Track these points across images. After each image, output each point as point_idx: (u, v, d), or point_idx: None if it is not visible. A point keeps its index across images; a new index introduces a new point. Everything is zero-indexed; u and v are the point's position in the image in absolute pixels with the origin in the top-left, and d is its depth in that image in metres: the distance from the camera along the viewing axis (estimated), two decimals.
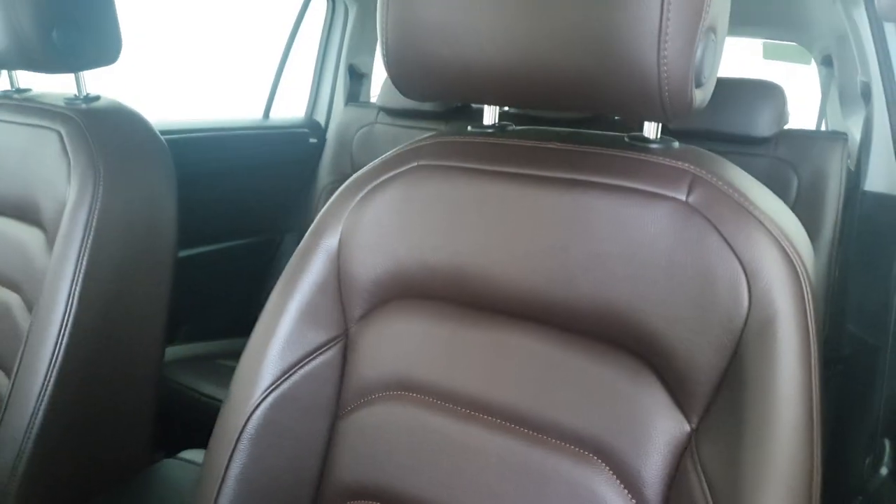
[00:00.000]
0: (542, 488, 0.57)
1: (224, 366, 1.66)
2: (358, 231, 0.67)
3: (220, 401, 1.44)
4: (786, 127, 1.54)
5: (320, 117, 2.31)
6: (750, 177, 0.58)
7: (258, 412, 0.66)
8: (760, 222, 0.51)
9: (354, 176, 0.71)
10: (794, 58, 2.53)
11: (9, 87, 1.05)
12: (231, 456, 0.65)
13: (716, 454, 0.50)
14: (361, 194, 0.68)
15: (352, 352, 0.68)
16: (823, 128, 2.22)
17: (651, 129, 0.60)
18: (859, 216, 1.44)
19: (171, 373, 1.49)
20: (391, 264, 0.66)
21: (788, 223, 0.54)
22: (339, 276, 0.68)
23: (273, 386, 0.66)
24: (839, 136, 1.54)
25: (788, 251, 0.50)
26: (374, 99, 2.42)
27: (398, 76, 0.61)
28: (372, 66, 2.35)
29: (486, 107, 0.69)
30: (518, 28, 0.53)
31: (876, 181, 1.50)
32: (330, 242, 0.68)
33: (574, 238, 0.57)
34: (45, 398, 0.83)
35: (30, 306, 0.90)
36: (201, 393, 1.48)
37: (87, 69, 0.95)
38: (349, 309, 0.68)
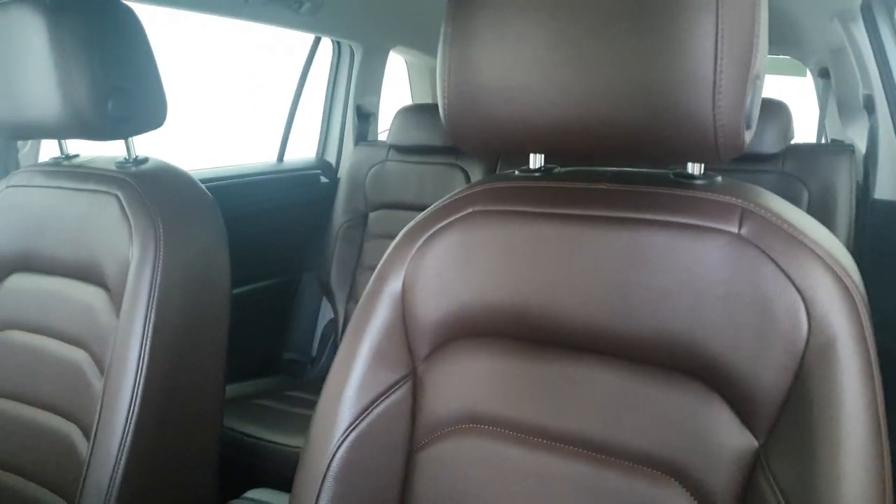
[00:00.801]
0: None
1: (259, 405, 1.69)
2: (420, 275, 0.71)
3: (263, 440, 1.48)
4: (792, 142, 1.60)
5: (331, 157, 2.37)
6: (793, 206, 0.62)
7: (340, 452, 0.69)
8: (812, 250, 0.56)
9: (413, 223, 0.75)
10: (790, 71, 2.60)
11: (58, 154, 1.10)
12: (318, 495, 0.68)
13: (788, 469, 0.53)
14: (422, 240, 0.72)
15: (420, 389, 0.72)
16: (823, 139, 2.29)
17: (695, 167, 0.65)
18: (871, 224, 1.48)
19: None
20: (453, 306, 0.70)
21: (836, 248, 0.58)
22: (404, 319, 0.72)
23: (352, 426, 0.70)
24: (846, 148, 1.59)
25: (842, 276, 0.55)
26: (381, 137, 2.49)
27: (457, 132, 0.66)
28: (378, 105, 2.42)
29: (531, 154, 0.73)
30: (575, 86, 0.58)
31: (885, 189, 1.55)
32: (394, 287, 0.72)
33: (633, 273, 0.61)
34: (124, 457, 0.86)
35: (98, 363, 0.93)
36: (244, 433, 1.51)
37: (138, 134, 1.00)
38: (415, 349, 0.72)
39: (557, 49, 0.58)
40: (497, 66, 0.61)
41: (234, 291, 1.95)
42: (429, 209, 0.75)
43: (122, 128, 0.96)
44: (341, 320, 2.06)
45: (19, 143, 1.31)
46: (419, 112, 2.08)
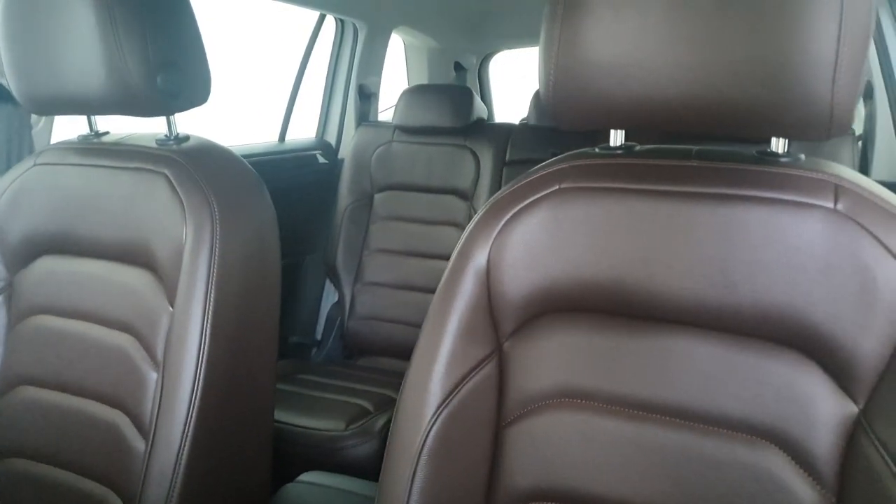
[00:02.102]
0: (719, 472, 0.62)
1: (280, 390, 1.67)
2: (506, 251, 0.71)
3: (290, 424, 1.46)
4: None
5: (331, 138, 2.33)
6: (877, 183, 0.64)
7: (434, 429, 0.69)
8: None
9: (495, 200, 0.74)
10: None
11: (86, 132, 1.06)
12: (414, 474, 0.68)
13: (893, 430, 0.56)
14: (507, 216, 0.72)
15: (507, 365, 0.72)
16: None
17: (780, 144, 0.66)
18: None
19: None
20: (544, 281, 0.70)
21: None
22: (489, 295, 0.71)
23: (444, 403, 0.69)
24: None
25: None
26: (380, 117, 2.46)
27: (561, 108, 0.66)
28: (379, 85, 2.39)
29: (612, 130, 0.73)
30: (691, 62, 0.58)
31: (881, 171, 1.61)
32: (479, 263, 0.72)
33: (732, 248, 0.62)
34: (186, 448, 0.84)
35: (148, 348, 0.90)
36: (277, 421, 1.49)
37: (183, 111, 0.96)
38: (501, 325, 0.72)
39: (675, 25, 0.58)
40: (611, 43, 0.61)
41: None
42: (508, 186, 0.75)
43: (170, 103, 0.93)
44: (348, 302, 2.04)
45: (32, 119, 1.25)
46: (426, 92, 2.06)
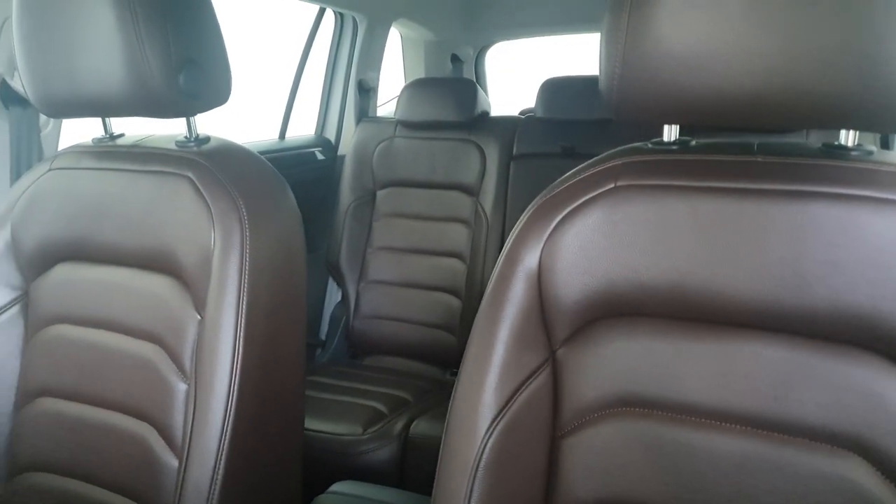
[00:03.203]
0: (797, 485, 0.60)
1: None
2: (559, 254, 0.69)
3: (308, 430, 1.43)
4: None
5: (330, 134, 2.29)
6: None
7: (490, 442, 0.67)
8: None
9: (543, 199, 0.72)
10: None
11: (101, 134, 1.02)
12: (471, 489, 0.66)
13: None
14: (559, 217, 0.69)
15: (562, 373, 0.69)
16: None
17: (849, 137, 0.64)
18: None
19: None
20: (600, 285, 0.67)
21: None
22: (541, 300, 0.69)
23: (500, 415, 0.67)
24: None
25: None
26: (379, 113, 2.43)
27: (627, 102, 0.63)
28: (378, 80, 2.35)
29: (665, 125, 0.71)
30: (772, 52, 0.56)
31: None
32: (529, 267, 0.69)
33: (806, 247, 0.60)
34: (223, 462, 0.81)
35: (175, 359, 0.87)
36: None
37: (204, 111, 0.92)
38: (554, 331, 0.70)
39: (754, 14, 0.56)
40: (685, 33, 0.58)
41: None
42: (557, 184, 0.72)
43: (192, 104, 0.89)
44: (353, 301, 2.01)
45: (41, 122, 1.20)
46: (429, 86, 2.03)
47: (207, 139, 0.96)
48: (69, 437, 0.94)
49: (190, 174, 0.88)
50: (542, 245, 0.69)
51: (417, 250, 1.97)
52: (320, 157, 2.21)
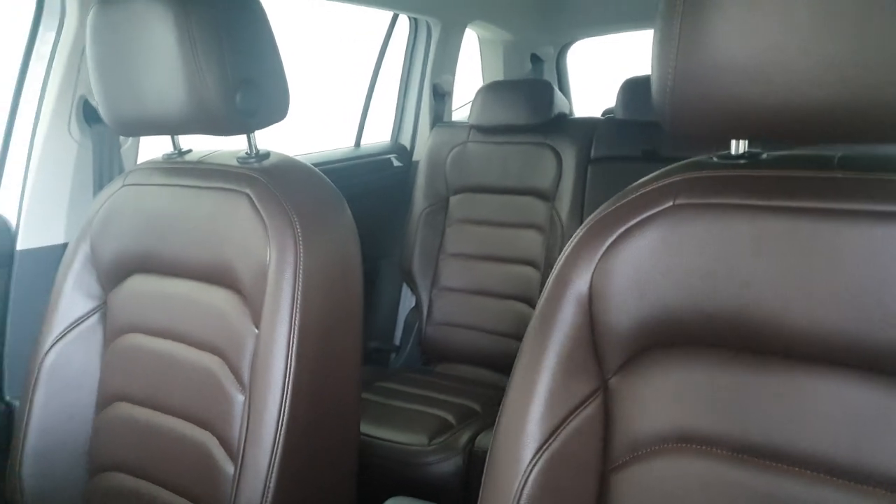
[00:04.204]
0: None
1: (367, 400, 1.65)
2: (612, 277, 0.64)
3: (373, 437, 1.44)
4: None
5: (406, 140, 2.30)
6: None
7: (533, 474, 0.63)
8: None
9: (596, 218, 0.67)
10: None
11: (170, 150, 1.06)
12: None
13: None
14: (613, 237, 0.65)
15: (614, 403, 0.65)
16: None
17: None
18: None
19: None
20: (656, 311, 0.63)
21: None
22: (591, 326, 0.65)
23: (545, 446, 0.64)
24: None
25: None
26: (454, 116, 2.41)
27: (681, 117, 0.58)
28: (453, 84, 2.34)
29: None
30: (848, 62, 0.50)
31: None
32: (579, 290, 0.65)
33: (891, 275, 0.53)
34: (275, 473, 0.82)
35: (235, 371, 0.89)
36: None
37: (262, 128, 0.94)
38: (606, 359, 0.65)
39: (824, 20, 0.50)
40: (744, 41, 0.53)
41: None
42: (612, 201, 0.68)
43: (249, 122, 0.91)
44: (425, 308, 2.01)
45: (121, 139, 1.27)
46: (503, 89, 1.99)
47: (267, 154, 0.98)
48: (140, 441, 0.98)
49: (248, 191, 0.90)
50: (593, 267, 0.65)
51: (490, 257, 1.94)
52: (397, 163, 2.23)
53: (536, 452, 0.64)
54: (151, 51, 0.87)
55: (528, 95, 1.94)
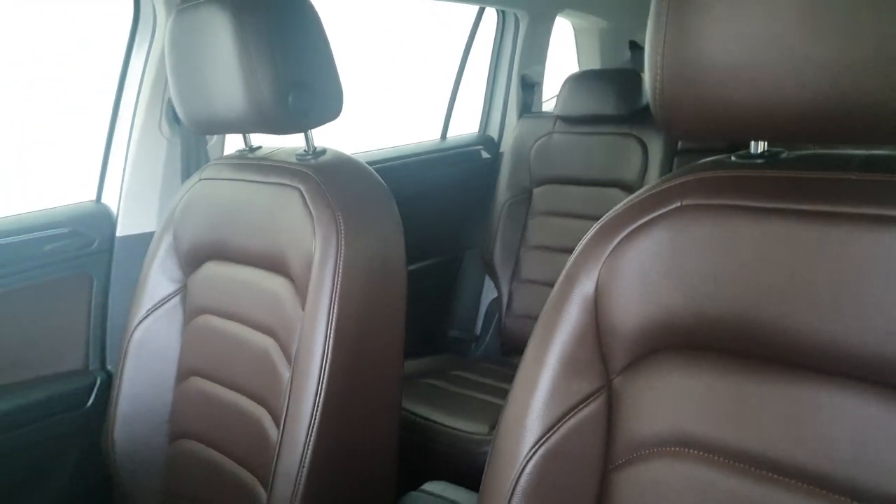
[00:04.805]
0: None
1: (429, 385, 1.70)
2: (618, 278, 0.63)
3: (436, 423, 1.48)
4: None
5: (494, 132, 2.31)
6: None
7: (528, 468, 0.64)
8: None
9: (607, 218, 0.67)
10: None
11: (242, 147, 1.14)
12: None
13: None
14: (619, 238, 0.64)
15: (618, 404, 0.65)
16: None
17: None
18: None
19: None
20: (659, 313, 0.61)
21: None
22: (597, 326, 0.65)
23: (541, 440, 0.64)
24: None
25: None
26: (544, 107, 2.39)
27: (671, 116, 0.57)
28: (543, 75, 2.32)
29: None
30: (834, 62, 0.47)
31: None
32: (586, 290, 0.65)
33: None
34: (311, 445, 0.89)
35: (285, 351, 0.96)
36: (416, 414, 1.53)
37: (316, 127, 1.00)
38: (610, 360, 0.65)
39: (812, 20, 0.48)
40: (730, 41, 0.51)
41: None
42: (626, 201, 0.67)
43: (301, 121, 0.97)
44: (505, 300, 2.02)
45: (207, 136, 1.38)
46: (590, 78, 1.95)
47: (324, 151, 1.03)
48: (208, 413, 1.08)
49: (300, 186, 0.96)
50: (599, 267, 0.65)
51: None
52: (485, 155, 2.25)
53: (533, 446, 0.65)
54: (215, 56, 0.95)
55: (616, 85, 1.89)
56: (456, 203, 2.15)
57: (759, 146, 0.62)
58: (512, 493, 0.64)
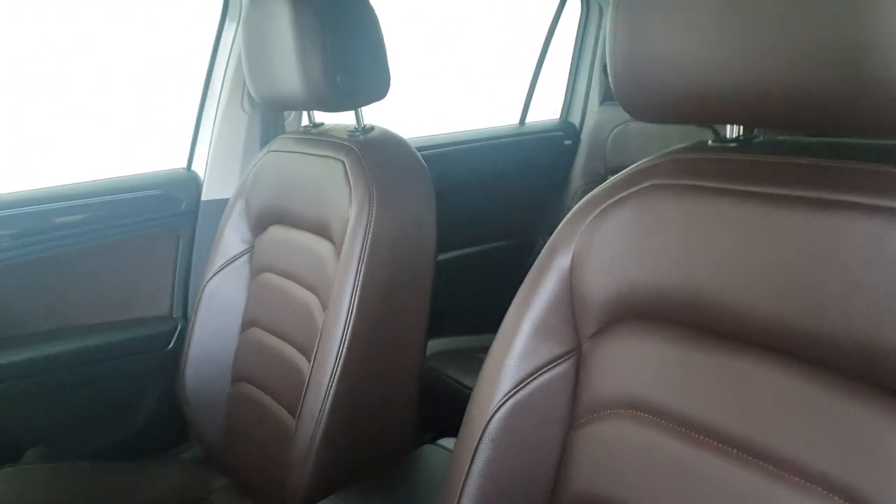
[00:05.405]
0: None
1: (475, 356, 1.77)
2: (590, 252, 0.68)
3: (461, 384, 1.55)
4: None
5: (575, 118, 2.32)
6: None
7: (497, 416, 0.70)
8: None
9: (590, 195, 0.71)
10: None
11: (307, 123, 1.26)
12: (474, 454, 0.70)
13: None
14: (594, 214, 0.68)
15: (584, 367, 0.69)
16: None
17: None
18: None
19: (436, 363, 1.63)
20: (623, 286, 0.65)
21: None
22: (571, 295, 0.69)
23: (510, 393, 0.70)
24: None
25: None
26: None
27: (627, 100, 0.61)
28: None
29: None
30: (754, 50, 0.50)
31: None
32: (563, 262, 0.70)
33: (829, 266, 0.51)
34: (334, 381, 1.00)
35: (324, 305, 1.07)
36: (462, 384, 1.60)
37: (363, 105, 1.10)
38: (581, 326, 0.69)
39: (727, 10, 0.51)
40: (666, 31, 0.55)
41: (470, 250, 2.06)
42: (609, 180, 0.71)
43: (348, 100, 1.07)
44: None
45: (284, 112, 1.52)
46: None
47: (372, 129, 1.13)
48: (261, 359, 1.21)
49: (344, 159, 1.06)
50: (575, 241, 0.69)
51: None
52: (567, 142, 2.27)
53: (503, 397, 0.70)
54: (279, 40, 1.07)
55: None
56: (533, 188, 2.19)
57: (734, 131, 0.64)
58: (481, 438, 0.70)
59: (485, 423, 0.71)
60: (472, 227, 2.03)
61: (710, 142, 0.66)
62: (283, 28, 1.05)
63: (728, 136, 0.65)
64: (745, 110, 0.53)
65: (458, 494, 0.71)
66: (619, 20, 0.58)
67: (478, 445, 0.71)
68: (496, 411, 0.70)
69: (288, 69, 1.06)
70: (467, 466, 0.71)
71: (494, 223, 2.11)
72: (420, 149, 1.92)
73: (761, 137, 0.63)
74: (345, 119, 1.23)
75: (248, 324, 1.28)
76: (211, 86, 1.47)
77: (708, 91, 0.54)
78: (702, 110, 0.56)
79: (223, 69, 1.44)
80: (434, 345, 1.52)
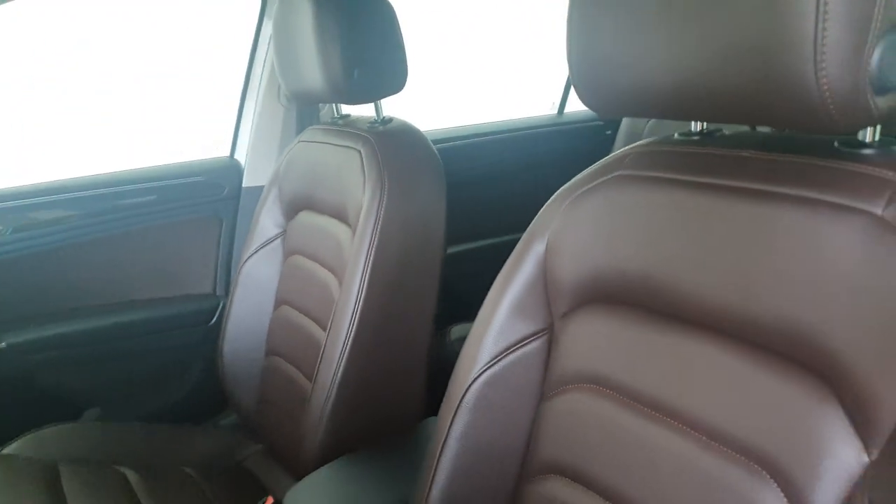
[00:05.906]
0: (708, 492, 0.57)
1: None
2: (563, 238, 0.73)
3: None
4: None
5: None
6: None
7: (474, 386, 0.76)
8: None
9: (567, 183, 0.76)
10: None
11: (335, 115, 1.34)
12: (453, 420, 0.77)
13: (891, 495, 0.45)
14: (567, 202, 0.73)
15: (555, 344, 0.75)
16: None
17: (867, 132, 0.54)
18: None
19: (457, 347, 1.70)
20: (590, 270, 0.70)
21: None
22: (545, 279, 0.74)
23: (487, 366, 0.76)
24: None
25: None
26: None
27: (587, 98, 0.65)
28: None
29: None
30: (680, 48, 0.54)
31: None
32: (538, 248, 0.75)
33: (760, 253, 0.55)
34: (346, 352, 1.08)
35: (340, 283, 1.15)
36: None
37: (380, 98, 1.17)
38: (554, 306, 0.74)
39: (663, 13, 0.54)
40: (616, 32, 0.59)
41: (501, 239, 2.11)
42: (585, 170, 0.75)
43: (366, 93, 1.14)
44: None
45: (319, 104, 1.61)
46: None
47: (390, 121, 1.20)
48: (289, 334, 1.31)
49: (361, 149, 1.13)
50: (551, 226, 0.74)
51: None
52: (608, 131, 2.28)
53: (480, 369, 0.76)
54: (304, 36, 1.15)
55: None
56: (567, 178, 2.21)
57: (697, 125, 0.68)
58: (459, 405, 0.77)
59: (463, 392, 0.77)
60: (506, 217, 2.08)
61: (675, 135, 0.70)
62: (306, 25, 1.12)
63: (692, 129, 0.68)
64: (683, 106, 0.57)
65: (437, 455, 0.77)
66: (574, 22, 0.63)
67: (456, 411, 0.77)
68: (474, 381, 0.76)
69: (310, 64, 1.14)
70: (446, 431, 0.77)
71: (527, 214, 2.15)
72: (457, 138, 1.98)
73: (726, 132, 0.67)
74: (369, 111, 1.30)
75: (279, 302, 1.38)
76: (251, 80, 1.57)
77: (650, 87, 0.58)
78: (649, 105, 0.60)
79: (262, 64, 1.54)
80: (458, 330, 1.59)
